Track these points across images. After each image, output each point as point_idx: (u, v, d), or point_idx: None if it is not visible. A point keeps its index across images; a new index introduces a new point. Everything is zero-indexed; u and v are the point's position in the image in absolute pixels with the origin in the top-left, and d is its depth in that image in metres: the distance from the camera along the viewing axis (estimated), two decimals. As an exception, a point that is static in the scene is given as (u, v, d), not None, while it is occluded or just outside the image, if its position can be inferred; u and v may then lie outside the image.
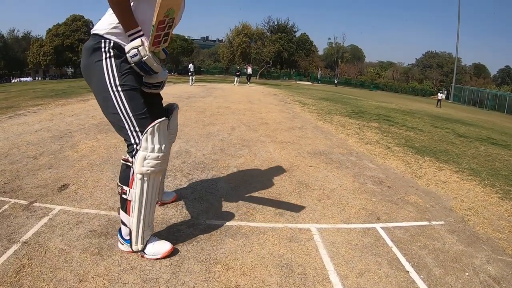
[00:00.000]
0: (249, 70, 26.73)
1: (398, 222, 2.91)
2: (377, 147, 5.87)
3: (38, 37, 61.12)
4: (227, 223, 2.63)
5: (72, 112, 7.28)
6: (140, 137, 1.92)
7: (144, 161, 1.91)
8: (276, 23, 69.38)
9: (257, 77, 52.12)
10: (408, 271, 2.20)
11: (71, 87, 15.10)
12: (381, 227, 2.78)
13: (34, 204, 2.68)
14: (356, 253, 2.37)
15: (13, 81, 49.05)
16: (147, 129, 1.90)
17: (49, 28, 58.03)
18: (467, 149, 6.97)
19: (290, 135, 6.23)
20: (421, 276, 2.16)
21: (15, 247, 2.09)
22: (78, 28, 56.47)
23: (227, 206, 2.95)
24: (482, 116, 24.53)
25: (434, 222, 2.99)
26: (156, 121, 1.92)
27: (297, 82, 57.68)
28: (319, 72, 72.42)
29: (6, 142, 4.47)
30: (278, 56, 66.70)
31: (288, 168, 4.12)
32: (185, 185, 3.35)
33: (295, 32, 70.21)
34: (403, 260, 2.33)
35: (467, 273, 2.26)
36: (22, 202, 2.71)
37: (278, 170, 4.02)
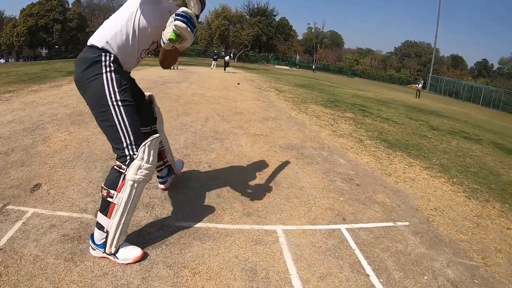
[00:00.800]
0: (227, 58, 26.14)
1: (363, 223, 2.97)
2: (349, 141, 5.94)
3: (11, 17, 58.48)
4: (196, 225, 2.64)
5: (45, 100, 7.01)
6: (134, 149, 2.07)
7: (138, 170, 2.05)
8: (256, 6, 68.66)
9: (235, 61, 51.40)
10: (368, 275, 2.26)
11: (44, 70, 14.61)
12: (346, 228, 2.83)
13: (8, 207, 2.62)
14: (319, 256, 2.41)
15: (-15, 63, 47.04)
16: (145, 142, 2.08)
17: (23, 8, 55.46)
18: (439, 143, 7.16)
19: (263, 126, 6.23)
20: (381, 280, 2.22)
21: (-9, 255, 2.06)
22: (53, 8, 54.01)
23: (196, 207, 2.95)
24: (457, 107, 25.11)
25: (399, 223, 3.07)
26: (153, 136, 2.15)
27: (275, 66, 57.34)
28: (298, 57, 72.14)
29: (-25, 135, 4.29)
30: (256, 40, 66.01)
31: (259, 165, 4.13)
32: (156, 183, 3.26)
33: (274, 16, 69.56)
34: (364, 263, 2.39)
35: (426, 277, 2.33)
36: (-5, 204, 2.64)
37: (249, 167, 4.02)
